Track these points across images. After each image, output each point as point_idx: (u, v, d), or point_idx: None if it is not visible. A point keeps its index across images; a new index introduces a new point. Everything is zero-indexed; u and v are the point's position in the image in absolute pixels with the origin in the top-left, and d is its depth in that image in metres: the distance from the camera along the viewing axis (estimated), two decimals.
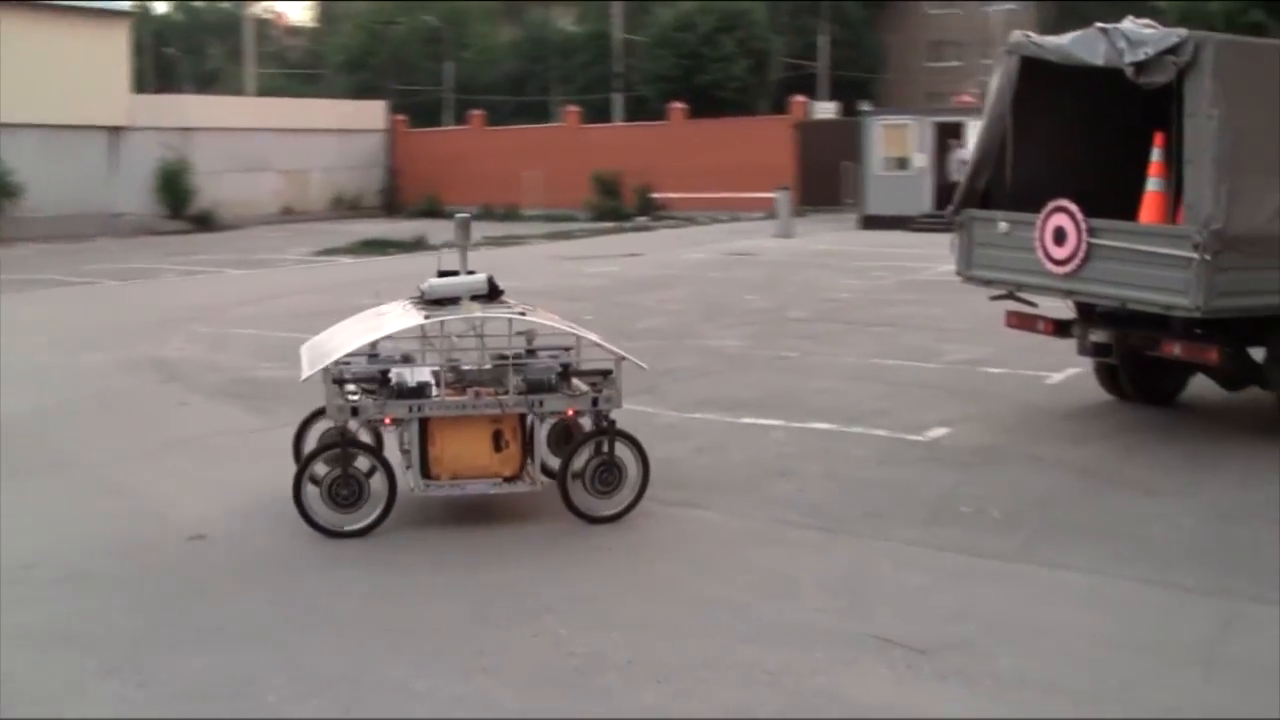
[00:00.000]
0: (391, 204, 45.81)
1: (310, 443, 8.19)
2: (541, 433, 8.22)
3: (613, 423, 7.95)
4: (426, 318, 7.75)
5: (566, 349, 8.25)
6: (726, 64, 48.36)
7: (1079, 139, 10.78)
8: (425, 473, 7.65)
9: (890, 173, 34.58)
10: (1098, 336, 10.22)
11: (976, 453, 9.42)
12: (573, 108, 47.01)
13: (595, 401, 7.89)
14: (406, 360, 8.06)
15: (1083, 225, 9.53)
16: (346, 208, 44.71)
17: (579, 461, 7.85)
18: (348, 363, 7.86)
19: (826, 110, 43.36)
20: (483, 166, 43.85)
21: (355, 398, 7.65)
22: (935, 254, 26.46)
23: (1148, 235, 9.41)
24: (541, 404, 7.79)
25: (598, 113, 49.12)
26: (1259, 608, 6.32)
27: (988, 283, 10.78)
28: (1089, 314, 10.31)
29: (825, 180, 37.94)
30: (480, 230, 34.05)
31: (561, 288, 20.19)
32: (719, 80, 48.12)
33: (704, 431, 10.27)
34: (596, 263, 24.82)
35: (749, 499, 8.33)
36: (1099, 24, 9.53)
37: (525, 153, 42.88)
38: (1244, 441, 9.62)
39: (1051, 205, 9.74)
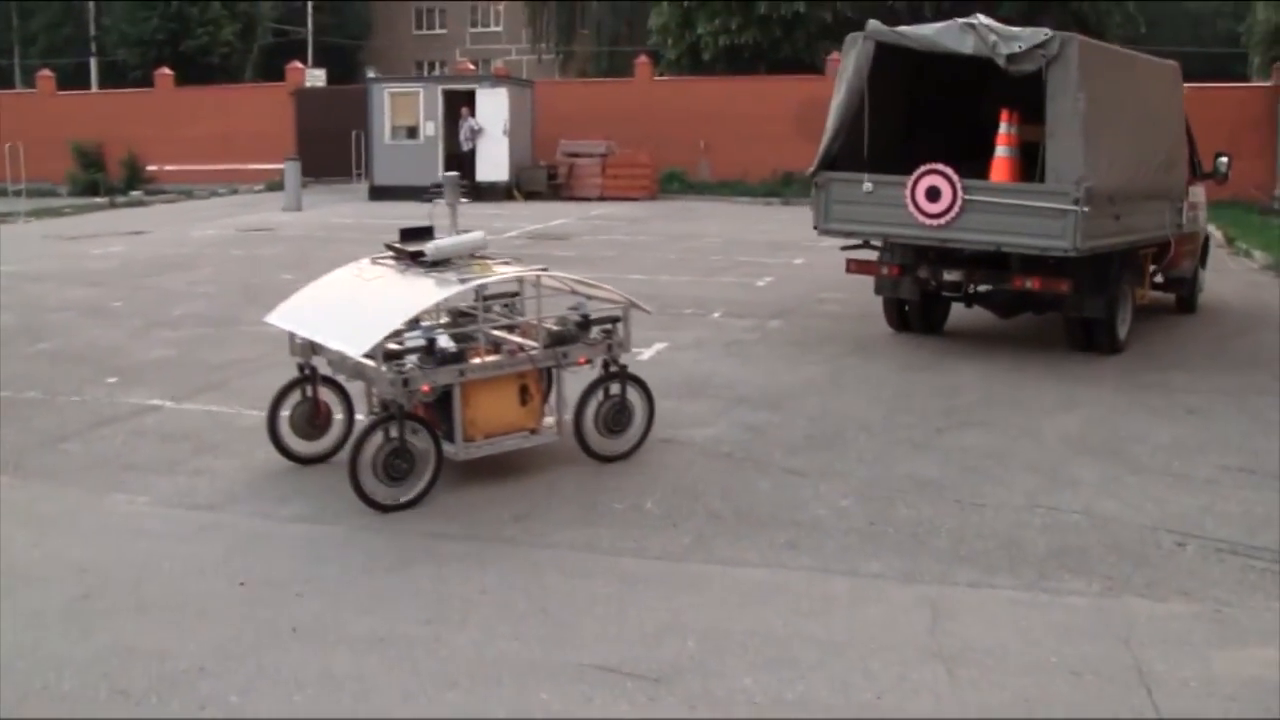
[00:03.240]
0: None
1: (283, 419, 8.23)
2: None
3: (624, 366, 8.47)
4: (463, 281, 7.82)
5: (514, 295, 8.69)
6: (214, 28, 45.46)
7: (916, 113, 13.11)
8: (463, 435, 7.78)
9: (399, 142, 33.69)
10: (951, 275, 12.12)
11: None
12: (46, 73, 42.75)
13: (609, 348, 8.36)
14: (419, 325, 7.94)
15: (958, 184, 11.31)
16: None
17: (592, 405, 8.31)
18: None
19: (316, 78, 41.67)
20: None
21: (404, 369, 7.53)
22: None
23: (1026, 193, 11.25)
24: (566, 355, 8.14)
25: (70, 79, 45.02)
26: (953, 590, 6.18)
27: (846, 234, 12.44)
28: (923, 258, 12.19)
29: (328, 150, 36.42)
30: None
31: (71, 271, 18.09)
32: (207, 46, 45.21)
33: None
34: (100, 242, 22.47)
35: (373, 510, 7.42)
36: (963, 19, 11.41)
37: None
38: (848, 415, 9.69)
39: (924, 168, 11.46)
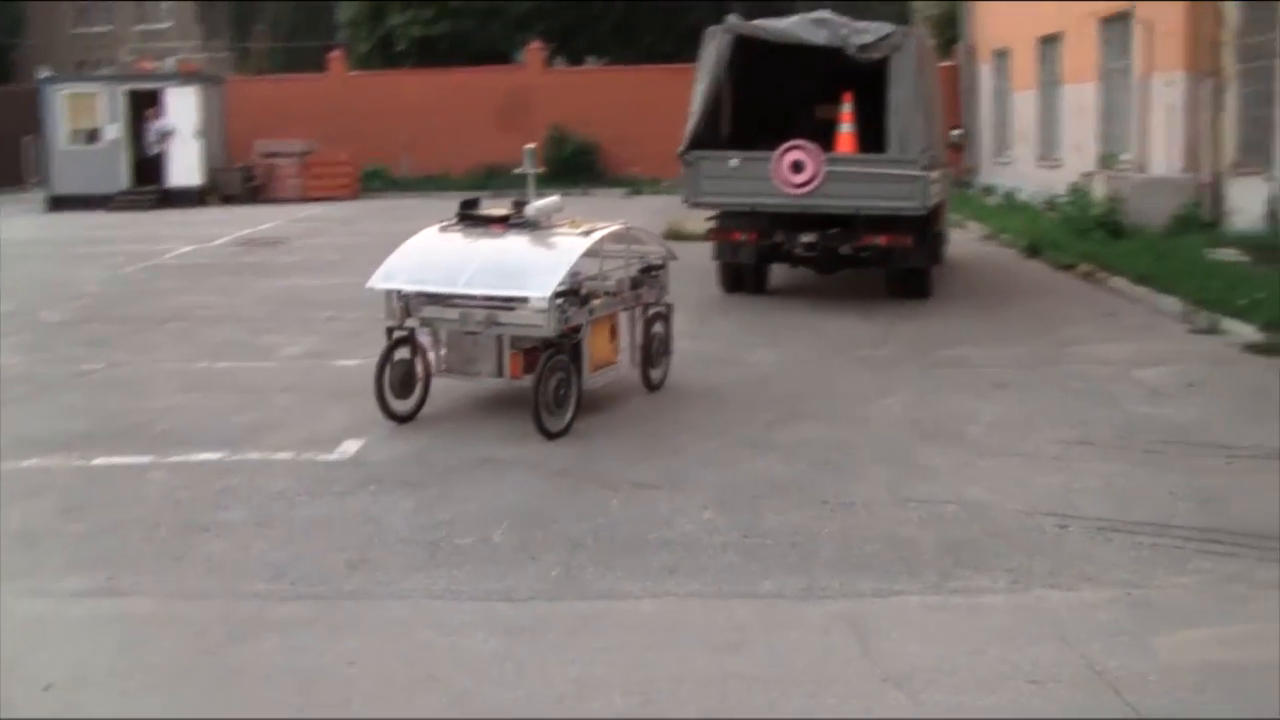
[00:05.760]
0: None
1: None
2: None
3: (669, 306, 9.84)
4: (587, 234, 8.86)
5: None
6: None
7: (763, 96, 14.87)
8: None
9: (79, 147, 31.39)
10: (807, 238, 13.39)
11: (415, 465, 8.03)
12: None
13: (658, 291, 9.71)
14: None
15: (820, 157, 12.90)
16: None
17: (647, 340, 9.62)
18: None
19: None
20: None
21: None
22: (160, 234, 24.33)
23: (880, 162, 12.97)
24: (639, 298, 9.48)
25: None
26: (861, 603, 5.73)
27: (716, 206, 13.79)
28: (778, 224, 13.47)
29: None
30: None
31: None
32: None
33: (53, 484, 7.85)
34: None
35: (182, 572, 6.36)
36: (814, 15, 13.48)
37: None
38: (668, 416, 9.21)
39: (788, 144, 12.99)
